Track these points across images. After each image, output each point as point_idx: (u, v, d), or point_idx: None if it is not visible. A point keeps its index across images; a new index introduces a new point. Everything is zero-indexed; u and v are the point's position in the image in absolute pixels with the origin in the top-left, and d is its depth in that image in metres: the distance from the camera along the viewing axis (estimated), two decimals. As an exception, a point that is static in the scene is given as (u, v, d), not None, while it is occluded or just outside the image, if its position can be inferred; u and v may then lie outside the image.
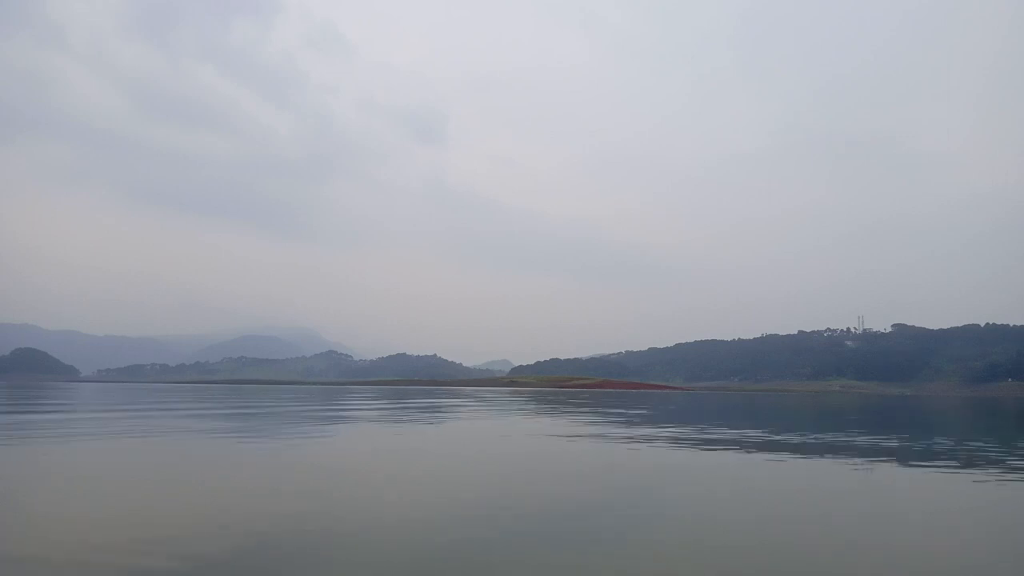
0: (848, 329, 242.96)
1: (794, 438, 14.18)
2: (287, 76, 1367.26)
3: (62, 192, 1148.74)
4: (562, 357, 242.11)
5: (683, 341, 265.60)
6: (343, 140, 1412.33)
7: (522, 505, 6.00)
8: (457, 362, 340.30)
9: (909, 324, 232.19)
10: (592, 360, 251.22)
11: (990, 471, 8.92)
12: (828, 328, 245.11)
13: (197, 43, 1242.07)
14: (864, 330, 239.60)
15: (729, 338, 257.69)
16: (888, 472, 9.01)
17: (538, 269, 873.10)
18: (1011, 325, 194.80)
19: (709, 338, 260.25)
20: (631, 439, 13.04)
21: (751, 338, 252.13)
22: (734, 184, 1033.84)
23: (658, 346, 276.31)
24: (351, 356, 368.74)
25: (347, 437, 13.29)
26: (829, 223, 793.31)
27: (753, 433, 15.24)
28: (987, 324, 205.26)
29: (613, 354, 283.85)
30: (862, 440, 13.93)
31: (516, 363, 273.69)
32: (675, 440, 12.90)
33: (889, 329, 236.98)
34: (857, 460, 10.09)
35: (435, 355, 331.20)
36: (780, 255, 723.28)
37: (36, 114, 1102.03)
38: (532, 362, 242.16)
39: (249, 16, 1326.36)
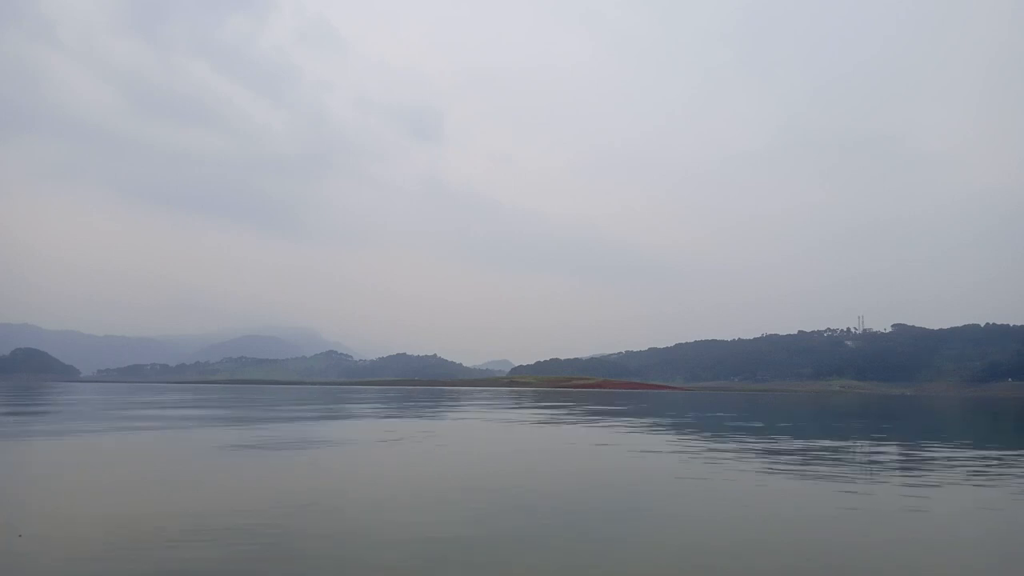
0: (848, 329, 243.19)
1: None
2: (281, 72, 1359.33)
3: (62, 191, 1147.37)
4: (562, 357, 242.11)
5: (683, 341, 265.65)
6: (339, 137, 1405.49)
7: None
8: (457, 362, 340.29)
9: (909, 324, 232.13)
10: (592, 360, 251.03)
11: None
12: (828, 328, 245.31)
13: (189, 38, 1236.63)
14: (864, 330, 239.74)
15: (729, 338, 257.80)
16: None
17: (538, 269, 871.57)
18: (1011, 325, 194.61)
19: (709, 338, 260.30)
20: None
21: (751, 338, 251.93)
22: (734, 184, 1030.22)
23: (658, 346, 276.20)
24: (351, 356, 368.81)
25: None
26: (829, 223, 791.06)
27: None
28: (987, 324, 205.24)
29: (613, 354, 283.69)
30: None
31: (516, 363, 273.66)
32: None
33: (889, 329, 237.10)
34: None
35: (435, 355, 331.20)
36: (780, 255, 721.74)
37: (31, 111, 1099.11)
38: (532, 362, 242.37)
39: (241, 11, 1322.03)
